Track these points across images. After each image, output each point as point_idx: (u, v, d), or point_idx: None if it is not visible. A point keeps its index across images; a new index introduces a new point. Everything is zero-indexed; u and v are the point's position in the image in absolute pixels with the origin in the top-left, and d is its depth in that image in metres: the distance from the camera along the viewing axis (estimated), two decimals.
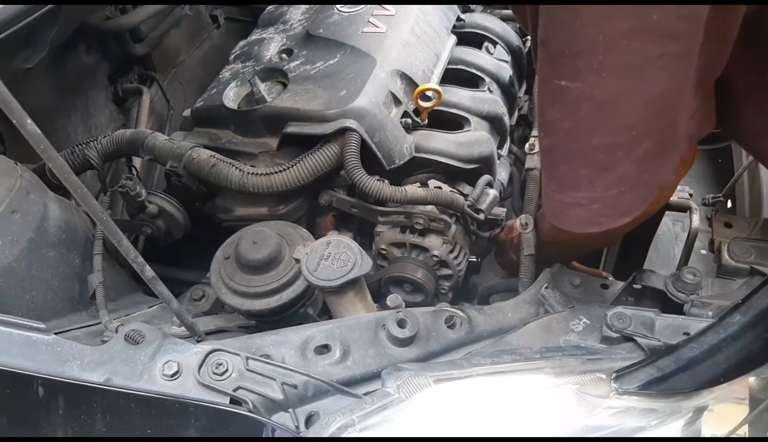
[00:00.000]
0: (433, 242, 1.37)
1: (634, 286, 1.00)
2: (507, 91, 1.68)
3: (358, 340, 0.86)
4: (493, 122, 1.55)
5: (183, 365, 0.79)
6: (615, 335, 0.84)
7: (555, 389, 0.78)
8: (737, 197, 1.71)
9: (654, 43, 0.67)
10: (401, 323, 0.86)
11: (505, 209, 1.52)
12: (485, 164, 1.47)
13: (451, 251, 1.39)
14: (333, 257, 1.03)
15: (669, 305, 0.96)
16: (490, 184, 1.48)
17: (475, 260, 1.54)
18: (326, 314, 1.33)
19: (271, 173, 1.28)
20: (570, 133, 0.81)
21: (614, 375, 0.78)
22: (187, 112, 1.50)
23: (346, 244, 1.05)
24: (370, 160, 1.32)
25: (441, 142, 1.41)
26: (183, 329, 1.16)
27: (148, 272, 0.76)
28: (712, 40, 0.73)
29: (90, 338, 1.08)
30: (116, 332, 1.06)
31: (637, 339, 0.82)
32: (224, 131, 1.42)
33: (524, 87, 1.86)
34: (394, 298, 1.24)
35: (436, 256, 1.38)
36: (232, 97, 1.44)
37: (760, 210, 1.50)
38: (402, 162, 1.36)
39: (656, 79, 0.71)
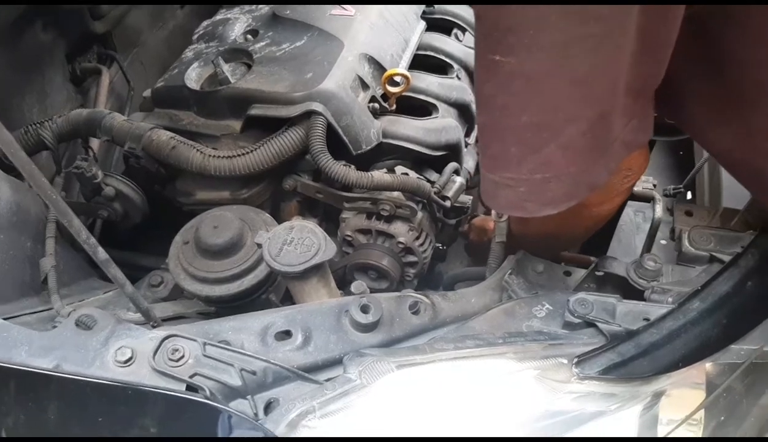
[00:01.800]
0: (398, 228, 1.36)
1: (597, 273, 1.00)
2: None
3: (320, 325, 0.84)
4: (461, 109, 1.54)
5: (137, 351, 0.76)
6: (577, 320, 0.84)
7: (517, 374, 0.78)
8: (697, 188, 1.74)
9: (580, 23, 0.69)
10: (364, 309, 0.84)
11: (471, 197, 1.52)
12: (452, 152, 1.46)
13: (417, 238, 1.38)
14: (296, 242, 1.01)
15: (631, 292, 0.97)
16: (456, 172, 1.47)
17: (440, 247, 1.53)
18: (289, 300, 1.30)
19: (234, 156, 1.25)
20: (503, 109, 0.80)
21: (575, 360, 0.78)
22: (147, 93, 1.46)
23: (309, 229, 1.03)
24: (336, 145, 1.29)
25: (409, 129, 1.39)
26: (139, 315, 1.13)
27: (101, 254, 0.73)
28: (648, 50, 0.75)
29: (41, 324, 1.04)
30: (68, 317, 1.03)
31: (599, 325, 0.83)
32: (186, 113, 1.38)
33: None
34: (358, 284, 1.23)
35: (402, 243, 1.37)
36: (194, 77, 1.40)
37: (719, 200, 1.53)
38: (369, 147, 1.34)
39: (581, 59, 0.72)
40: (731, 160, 0.91)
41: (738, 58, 0.76)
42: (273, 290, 1.23)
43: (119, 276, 0.78)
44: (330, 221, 1.52)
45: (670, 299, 0.88)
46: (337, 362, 0.82)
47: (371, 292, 1.20)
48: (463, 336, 0.82)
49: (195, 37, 1.54)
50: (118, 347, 0.76)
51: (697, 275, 0.94)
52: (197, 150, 1.25)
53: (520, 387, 0.77)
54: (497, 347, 0.78)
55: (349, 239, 1.41)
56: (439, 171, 1.49)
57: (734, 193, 1.46)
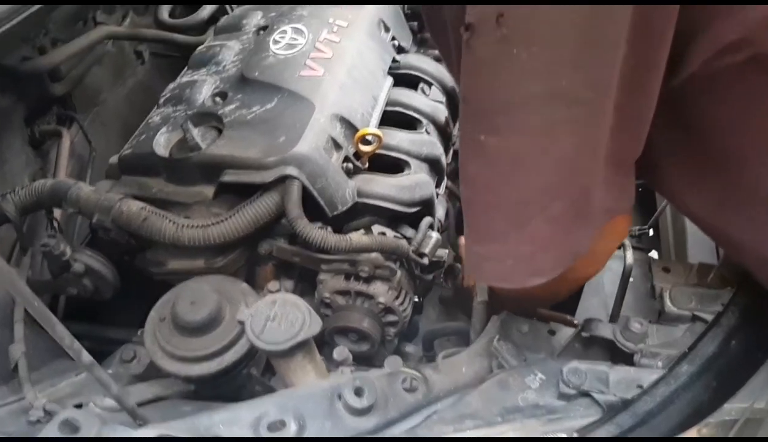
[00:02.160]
0: (378, 289, 1.35)
1: (582, 334, 1.01)
2: (443, 132, 1.70)
3: (313, 412, 0.82)
4: (432, 164, 1.55)
5: None
6: (572, 391, 0.84)
7: None
8: (661, 229, 1.80)
9: (563, 107, 0.71)
10: (358, 392, 0.82)
11: (447, 251, 1.52)
12: (426, 206, 1.47)
13: (397, 297, 1.37)
14: (279, 317, 0.99)
15: (617, 353, 0.98)
16: (432, 226, 1.48)
17: (417, 299, 1.53)
18: (269, 371, 1.27)
19: (208, 225, 1.22)
20: (488, 186, 0.82)
21: (575, 436, 0.77)
22: (113, 159, 1.42)
23: (292, 302, 1.00)
24: (311, 207, 1.28)
25: (383, 187, 1.39)
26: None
27: (85, 357, 0.69)
28: (626, 126, 0.77)
29: (14, 418, 0.99)
30: (44, 411, 0.97)
31: (594, 395, 0.83)
32: (155, 180, 1.35)
33: (458, 125, 1.88)
34: (341, 351, 1.21)
35: (382, 303, 1.35)
36: (163, 143, 1.37)
37: (684, 239, 1.58)
38: (344, 208, 1.33)
39: (565, 141, 0.74)
40: (705, 224, 0.93)
41: (717, 125, 0.78)
42: (254, 364, 1.20)
43: (104, 378, 0.74)
44: (306, 282, 1.49)
45: (659, 363, 0.89)
46: None
47: (352, 354, 1.19)
48: (461, 415, 0.80)
49: (161, 100, 1.51)
50: None
51: (682, 335, 0.96)
52: (169, 221, 1.22)
53: None
54: (496, 426, 0.77)
55: (328, 300, 1.39)
56: (414, 225, 1.49)
57: (697, 235, 1.51)
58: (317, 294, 1.41)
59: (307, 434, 0.80)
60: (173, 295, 1.16)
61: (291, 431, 0.80)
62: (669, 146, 0.85)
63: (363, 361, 1.39)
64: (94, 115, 1.95)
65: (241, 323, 1.00)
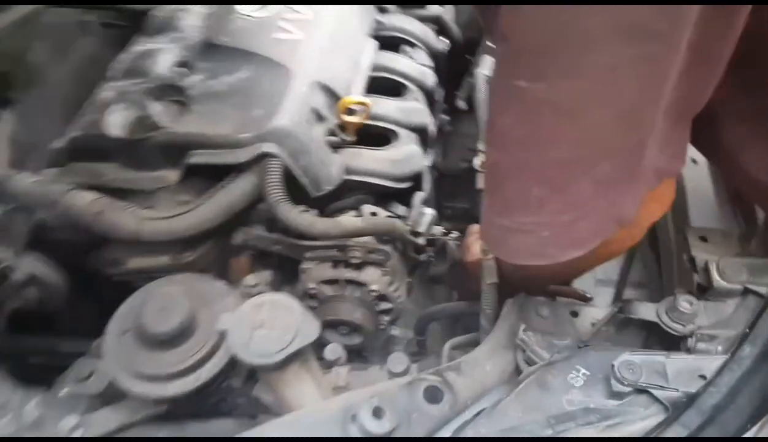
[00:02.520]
0: (370, 275, 1.20)
1: (619, 316, 0.88)
2: (431, 99, 1.55)
3: None
4: (421, 134, 1.40)
5: None
6: (627, 389, 0.71)
7: None
8: None
9: (632, 44, 0.59)
10: (377, 413, 0.68)
11: (441, 228, 1.39)
12: (416, 180, 1.32)
13: (391, 283, 1.23)
14: (269, 323, 0.83)
15: (660, 337, 0.86)
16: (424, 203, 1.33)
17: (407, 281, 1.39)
18: (252, 379, 1.12)
19: (174, 216, 1.05)
20: (523, 144, 0.70)
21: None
22: (58, 143, 1.22)
23: (282, 305, 0.85)
24: (292, 188, 1.12)
25: (372, 162, 1.24)
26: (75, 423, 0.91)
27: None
28: (700, 70, 0.66)
29: None
30: None
31: (653, 391, 0.70)
32: (109, 165, 1.16)
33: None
34: (333, 348, 1.06)
35: (375, 290, 1.21)
36: (117, 122, 1.18)
37: (685, 202, 1.47)
38: (331, 188, 1.18)
39: (628, 85, 0.62)
40: (762, 186, 0.82)
41: None
42: (234, 374, 1.04)
43: None
44: (283, 270, 1.34)
45: (719, 348, 0.77)
46: None
47: (344, 348, 1.05)
48: (504, 431, 0.67)
49: (112, 72, 1.31)
50: None
51: (734, 311, 0.84)
52: (128, 213, 1.04)
53: None
54: None
55: (313, 291, 1.23)
56: (403, 202, 1.35)
57: (698, 198, 1.40)
58: (300, 285, 1.26)
59: None
60: (137, 301, 0.98)
61: None
62: (734, 100, 0.72)
63: (352, 354, 1.24)
64: (36, 95, 1.72)
65: (222, 332, 0.84)
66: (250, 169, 1.09)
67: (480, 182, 1.20)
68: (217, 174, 1.11)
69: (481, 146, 1.25)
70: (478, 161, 1.23)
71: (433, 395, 0.75)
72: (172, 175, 1.13)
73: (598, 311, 0.96)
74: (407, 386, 0.76)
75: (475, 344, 1.09)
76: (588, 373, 0.75)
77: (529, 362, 0.83)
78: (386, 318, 1.29)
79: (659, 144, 0.69)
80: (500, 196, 0.76)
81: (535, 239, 0.74)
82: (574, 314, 0.96)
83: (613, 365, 0.72)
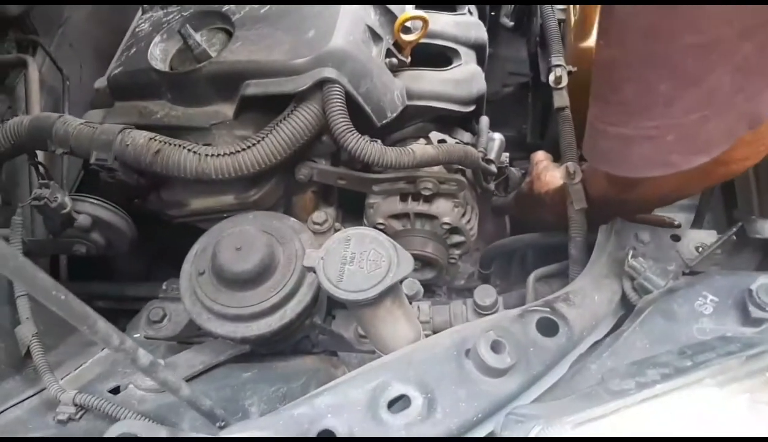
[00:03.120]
0: (442, 207, 1.14)
1: (734, 237, 0.81)
2: (482, 12, 1.44)
3: (441, 379, 0.63)
4: (479, 51, 1.30)
5: None
6: (767, 315, 0.65)
7: (724, 407, 0.58)
8: None
9: None
10: (497, 347, 0.63)
11: (508, 154, 1.31)
12: (480, 103, 1.23)
13: (464, 215, 1.17)
14: (358, 258, 0.77)
15: None
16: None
17: None
18: (329, 314, 1.08)
19: (237, 151, 0.98)
20: (650, 33, 0.62)
21: None
22: (100, 83, 1.15)
23: (372, 237, 0.79)
24: (355, 116, 1.04)
25: (435, 84, 1.15)
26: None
27: (142, 358, 0.48)
28: None
29: (39, 416, 0.79)
30: (74, 405, 0.77)
31: None
32: (158, 102, 1.09)
33: None
34: (409, 283, 1.01)
35: (447, 223, 1.15)
36: (159, 55, 1.10)
37: None
38: (394, 115, 1.09)
39: None
40: None
41: None
42: (316, 311, 1.00)
43: (171, 381, 0.53)
44: (345, 207, 1.28)
45: None
46: (473, 425, 0.61)
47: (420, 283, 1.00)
48: (636, 364, 0.62)
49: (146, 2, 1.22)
50: None
51: None
52: (189, 150, 0.97)
53: (732, 424, 0.58)
54: (690, 373, 0.59)
55: (382, 226, 1.18)
56: (464, 127, 1.27)
57: None
58: (367, 220, 1.20)
59: (439, 411, 0.61)
60: (209, 242, 0.94)
61: (419, 408, 0.60)
62: None
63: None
64: (60, 37, 1.63)
65: (310, 269, 0.78)
66: (310, 97, 1.00)
67: (559, 100, 1.10)
68: (275, 105, 1.04)
69: (559, 60, 1.14)
70: (553, 77, 1.13)
71: (547, 327, 0.70)
72: (227, 109, 1.05)
73: (701, 233, 0.89)
74: (518, 318, 0.70)
75: (561, 274, 1.04)
76: (717, 299, 0.70)
77: (640, 291, 0.78)
78: (458, 252, 1.24)
79: None
80: (617, 100, 0.68)
81: (658, 146, 0.67)
82: (676, 238, 0.90)
83: (750, 290, 0.66)
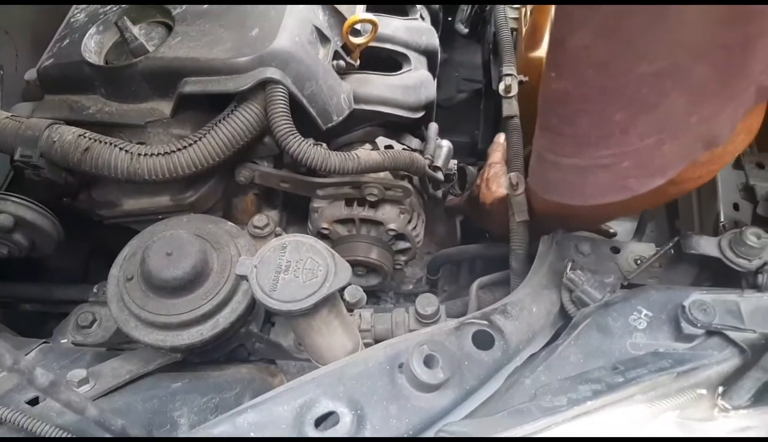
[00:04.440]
0: (388, 213, 1.12)
1: (672, 252, 0.82)
2: (435, 17, 1.43)
3: (371, 395, 0.61)
4: (431, 57, 1.29)
5: None
6: (698, 331, 0.65)
7: (654, 424, 0.58)
8: None
9: None
10: (429, 362, 0.61)
11: (456, 161, 1.30)
12: (429, 110, 1.22)
13: (409, 221, 1.15)
14: (294, 266, 0.74)
15: (708, 271, 0.80)
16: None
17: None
18: (268, 322, 1.05)
19: (173, 151, 0.94)
20: (604, 66, 0.61)
21: (721, 390, 0.59)
22: (30, 75, 1.09)
23: (309, 245, 0.76)
24: (298, 118, 1.01)
25: (383, 89, 1.13)
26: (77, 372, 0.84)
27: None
28: None
29: None
30: None
31: (728, 333, 0.65)
32: (90, 97, 1.04)
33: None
34: (352, 291, 0.99)
35: (393, 229, 1.13)
36: (94, 48, 1.05)
37: None
38: (340, 118, 1.07)
39: None
40: None
41: None
42: (252, 318, 0.97)
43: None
44: (289, 210, 1.25)
45: None
46: None
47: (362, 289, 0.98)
48: (570, 379, 0.61)
49: None
50: None
51: None
52: (120, 149, 0.93)
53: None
54: (620, 389, 0.58)
55: (326, 231, 1.15)
56: (413, 133, 1.26)
57: None
58: (311, 224, 1.17)
59: (368, 427, 0.58)
60: (139, 245, 0.89)
61: (347, 425, 0.58)
62: None
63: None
64: None
65: (243, 277, 0.75)
66: (252, 98, 0.97)
67: (508, 109, 1.10)
68: (215, 104, 1.00)
69: (510, 69, 1.14)
70: (503, 86, 1.13)
71: (483, 341, 0.69)
72: (164, 107, 1.01)
73: (640, 246, 0.90)
74: (455, 331, 0.69)
75: (503, 283, 1.04)
76: (651, 314, 0.70)
77: (578, 303, 0.77)
78: (403, 258, 1.22)
79: (765, 49, 0.60)
80: (571, 132, 0.67)
81: (614, 173, 0.67)
82: (615, 250, 0.90)
83: (683, 306, 0.66)
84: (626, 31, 0.56)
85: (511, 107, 1.10)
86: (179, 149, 0.93)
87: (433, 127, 1.21)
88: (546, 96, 0.70)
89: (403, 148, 1.13)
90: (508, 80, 1.12)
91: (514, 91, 1.12)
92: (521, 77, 1.21)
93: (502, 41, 1.24)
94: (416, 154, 1.07)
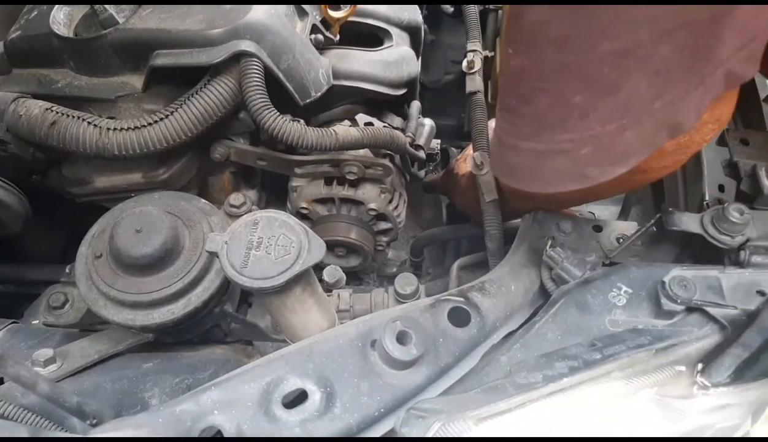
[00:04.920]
0: (368, 192, 1.10)
1: (654, 229, 0.81)
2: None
3: (342, 372, 0.59)
4: (413, 34, 1.26)
5: None
6: (679, 307, 0.64)
7: (631, 401, 0.57)
8: None
9: None
10: (403, 338, 0.59)
11: (439, 141, 1.28)
12: (412, 87, 1.20)
13: (390, 201, 1.13)
14: (266, 243, 0.72)
15: (691, 250, 0.79)
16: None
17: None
18: (245, 303, 1.02)
19: (144, 126, 0.91)
20: (563, 43, 0.58)
21: (700, 367, 0.58)
22: None
23: (281, 221, 0.74)
24: (275, 94, 0.98)
25: (363, 64, 1.10)
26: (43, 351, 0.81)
27: None
28: None
29: None
30: None
31: (708, 309, 0.63)
32: (59, 71, 1.00)
33: None
34: (331, 271, 0.97)
35: (374, 209, 1.11)
36: (63, 20, 1.01)
37: None
38: (318, 94, 1.04)
39: None
40: None
41: None
42: (227, 298, 0.94)
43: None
44: (268, 190, 1.22)
45: None
46: (375, 420, 0.57)
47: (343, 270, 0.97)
48: (545, 356, 0.59)
49: None
50: None
51: None
52: (89, 123, 0.90)
53: (638, 419, 0.56)
54: (597, 366, 0.57)
55: (305, 211, 1.13)
56: (396, 112, 1.23)
57: None
58: (290, 204, 1.15)
59: (338, 406, 0.57)
60: (108, 222, 0.87)
61: (316, 403, 0.56)
62: None
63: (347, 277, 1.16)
64: None
65: (213, 254, 0.73)
66: (225, 71, 0.94)
67: (471, 85, 1.07)
68: (188, 78, 0.97)
69: (474, 45, 1.12)
70: (465, 62, 1.10)
71: (459, 318, 0.67)
72: (135, 80, 0.98)
73: (622, 224, 0.89)
74: (430, 308, 0.67)
75: (483, 264, 1.02)
76: (630, 291, 0.68)
77: (558, 281, 0.76)
78: (385, 239, 1.20)
79: (739, 38, 0.58)
80: (529, 113, 0.64)
81: (573, 159, 0.64)
82: (597, 229, 0.89)
83: (663, 282, 0.65)
84: (586, 6, 0.53)
85: (474, 83, 1.08)
86: (150, 124, 0.90)
87: (416, 105, 1.18)
88: (505, 73, 0.67)
89: (384, 126, 1.10)
90: (470, 56, 1.10)
91: (478, 66, 1.10)
92: (486, 53, 1.19)
93: (468, 17, 1.22)
94: (397, 132, 1.05)
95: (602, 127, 0.61)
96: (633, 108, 0.60)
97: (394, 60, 1.13)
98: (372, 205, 1.10)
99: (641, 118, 0.61)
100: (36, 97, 0.95)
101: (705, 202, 0.94)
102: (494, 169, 0.74)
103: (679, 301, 0.63)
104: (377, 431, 0.57)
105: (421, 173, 1.24)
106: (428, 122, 1.18)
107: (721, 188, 1.01)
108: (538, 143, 0.65)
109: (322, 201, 1.12)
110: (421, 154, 1.12)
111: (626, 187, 0.82)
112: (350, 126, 1.02)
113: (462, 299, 0.69)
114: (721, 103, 0.65)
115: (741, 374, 0.59)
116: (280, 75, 0.98)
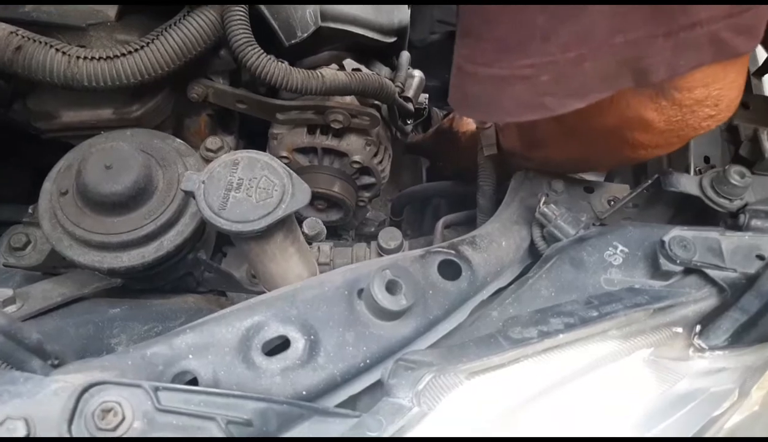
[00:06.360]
0: (353, 144, 1.05)
1: (649, 191, 0.78)
2: None
3: (327, 321, 0.55)
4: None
5: (35, 420, 0.43)
6: (677, 268, 0.62)
7: (625, 361, 0.55)
8: None
9: None
10: (392, 287, 0.56)
11: (428, 95, 1.24)
12: (401, 36, 1.14)
13: (375, 154, 1.08)
14: (247, 184, 0.68)
15: (685, 213, 0.77)
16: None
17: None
18: (220, 251, 0.98)
19: (117, 56, 0.84)
20: None
21: (698, 329, 0.56)
22: None
23: (264, 163, 0.69)
24: (261, 34, 0.92)
25: (354, 7, 1.04)
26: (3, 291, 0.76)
27: None
28: None
29: None
30: None
31: (708, 271, 0.61)
32: None
33: None
34: (312, 223, 0.93)
35: (358, 162, 1.06)
36: None
37: None
38: (305, 34, 0.98)
39: None
40: None
41: None
42: (201, 245, 0.90)
43: None
44: (247, 138, 1.16)
45: None
46: (360, 371, 0.54)
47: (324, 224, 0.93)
48: (540, 312, 0.56)
49: None
50: (1, 421, 0.42)
51: None
52: (57, 50, 0.83)
53: (631, 380, 0.54)
54: (594, 323, 0.54)
55: (286, 161, 1.08)
56: (384, 62, 1.18)
57: None
58: (270, 153, 1.08)
59: (322, 355, 0.53)
60: (76, 157, 0.81)
61: (299, 352, 0.53)
62: None
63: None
64: None
65: (188, 193, 0.68)
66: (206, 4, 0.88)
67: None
68: (164, 11, 0.90)
69: None
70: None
71: (449, 270, 0.64)
72: (108, 9, 0.91)
73: (614, 186, 0.86)
74: (419, 259, 0.64)
75: (470, 223, 0.99)
76: (627, 250, 0.66)
77: (549, 239, 0.73)
78: (367, 194, 1.16)
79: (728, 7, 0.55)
80: (491, 36, 0.62)
81: (532, 86, 0.62)
82: (589, 190, 0.86)
83: (663, 242, 0.62)
84: None
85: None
86: (124, 54, 0.84)
87: (405, 55, 1.13)
88: None
89: (371, 74, 1.05)
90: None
91: None
92: None
93: None
94: (387, 80, 1.00)
95: (562, 54, 0.59)
96: (593, 38, 0.58)
97: (386, 5, 1.08)
98: (356, 158, 1.05)
99: (601, 51, 0.59)
100: (0, 21, 0.87)
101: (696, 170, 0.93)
102: (452, 100, 0.72)
103: (678, 261, 0.61)
104: (363, 383, 0.54)
105: (408, 127, 1.20)
106: (418, 73, 1.13)
107: (707, 160, 0.99)
108: (500, 69, 0.63)
109: (303, 150, 1.07)
110: (410, 106, 1.08)
111: (617, 158, 0.80)
112: (338, 71, 0.97)
113: (453, 252, 0.66)
114: (719, 82, 0.62)
115: (738, 338, 0.57)
116: (265, 11, 0.92)
